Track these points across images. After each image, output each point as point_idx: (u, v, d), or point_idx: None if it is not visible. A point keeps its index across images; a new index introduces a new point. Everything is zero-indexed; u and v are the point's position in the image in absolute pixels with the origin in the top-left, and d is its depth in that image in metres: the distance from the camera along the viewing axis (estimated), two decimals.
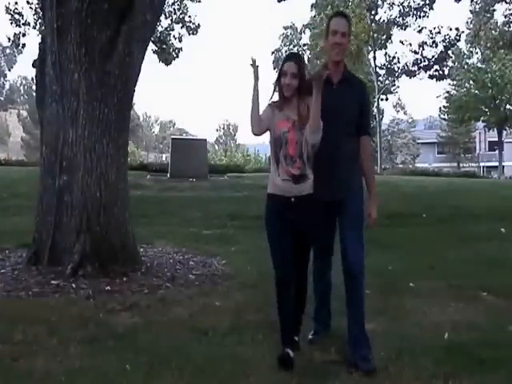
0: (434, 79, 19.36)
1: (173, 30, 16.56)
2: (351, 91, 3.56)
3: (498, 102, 35.87)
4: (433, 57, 19.14)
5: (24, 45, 15.55)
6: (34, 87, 8.54)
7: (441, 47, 18.96)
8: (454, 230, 8.83)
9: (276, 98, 3.50)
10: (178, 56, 16.82)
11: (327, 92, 3.33)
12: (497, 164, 39.73)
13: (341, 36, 3.48)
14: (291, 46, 36.04)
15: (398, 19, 20.83)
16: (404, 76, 31.27)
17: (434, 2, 18.06)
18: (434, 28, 19.15)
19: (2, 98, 62.59)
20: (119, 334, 3.75)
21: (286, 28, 37.84)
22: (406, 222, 9.72)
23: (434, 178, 19.27)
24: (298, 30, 36.75)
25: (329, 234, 3.58)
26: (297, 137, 3.37)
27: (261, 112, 3.40)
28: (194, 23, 16.52)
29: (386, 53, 32.29)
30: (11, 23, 14.95)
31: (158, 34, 15.85)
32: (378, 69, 32.56)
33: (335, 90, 3.50)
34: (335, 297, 3.77)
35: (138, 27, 5.77)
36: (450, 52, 19.46)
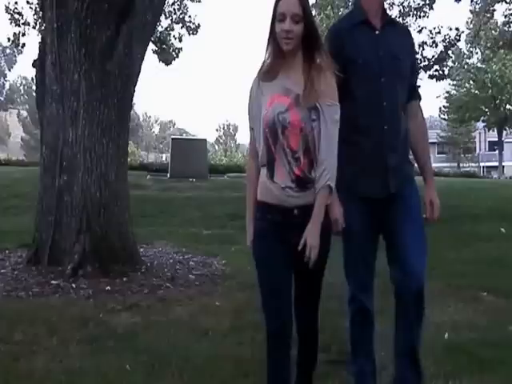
0: (434, 79, 19.29)
1: (173, 29, 16.53)
2: (400, 39, 2.51)
3: (498, 101, 36.01)
4: (433, 57, 19.09)
5: (24, 45, 15.50)
6: (34, 87, 8.53)
7: (441, 47, 18.90)
8: (454, 230, 8.81)
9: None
10: (178, 56, 16.79)
11: (368, 41, 2.42)
12: (497, 164, 39.83)
13: None
14: None
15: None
16: None
17: (434, 2, 17.97)
18: (434, 28, 19.01)
19: (2, 98, 62.69)
20: (119, 333, 3.75)
21: None
22: None
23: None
24: None
25: (371, 250, 2.57)
26: (301, 120, 2.16)
27: (248, 111, 2.33)
28: (194, 23, 16.49)
29: None
30: (11, 23, 14.92)
31: (158, 34, 15.81)
32: None
33: (379, 36, 2.45)
34: (334, 296, 3.76)
35: (138, 27, 5.77)
36: (450, 52, 19.42)
